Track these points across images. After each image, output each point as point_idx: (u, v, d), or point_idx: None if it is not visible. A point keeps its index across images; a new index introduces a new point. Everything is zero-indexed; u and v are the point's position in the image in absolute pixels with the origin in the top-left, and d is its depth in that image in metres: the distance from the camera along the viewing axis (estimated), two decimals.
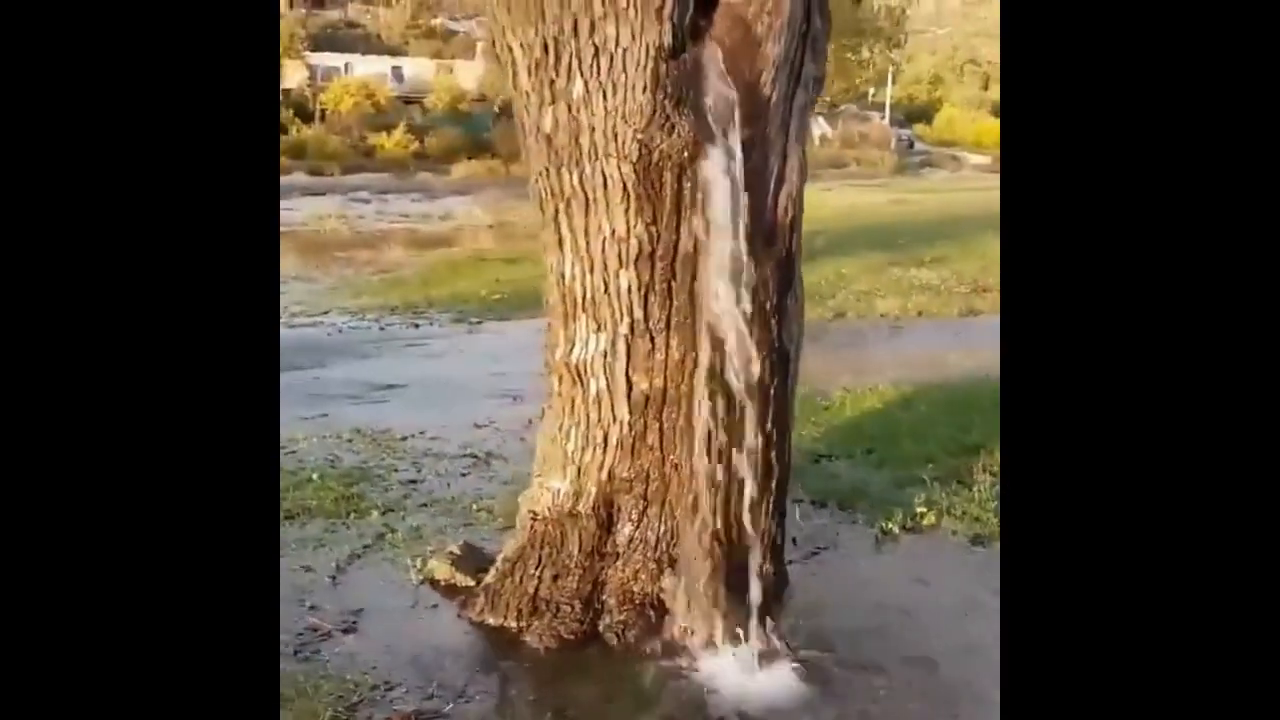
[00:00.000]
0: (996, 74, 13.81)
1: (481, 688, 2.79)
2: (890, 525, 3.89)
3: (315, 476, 4.48)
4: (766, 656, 2.88)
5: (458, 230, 20.24)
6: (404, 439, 5.24)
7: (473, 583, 3.40)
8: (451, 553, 3.52)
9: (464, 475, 4.65)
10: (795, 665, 2.86)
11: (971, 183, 30.45)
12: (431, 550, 3.61)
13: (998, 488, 4.20)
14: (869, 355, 7.54)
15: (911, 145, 43.77)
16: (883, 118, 47.69)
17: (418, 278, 12.21)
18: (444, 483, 4.52)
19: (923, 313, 9.35)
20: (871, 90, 43.58)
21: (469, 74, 42.22)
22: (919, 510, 3.99)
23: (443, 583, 3.41)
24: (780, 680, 2.83)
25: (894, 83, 49.02)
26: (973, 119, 45.13)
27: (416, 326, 8.66)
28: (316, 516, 4.03)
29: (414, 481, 4.54)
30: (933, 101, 57.17)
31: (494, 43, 3.00)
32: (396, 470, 4.69)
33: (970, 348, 7.71)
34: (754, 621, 2.90)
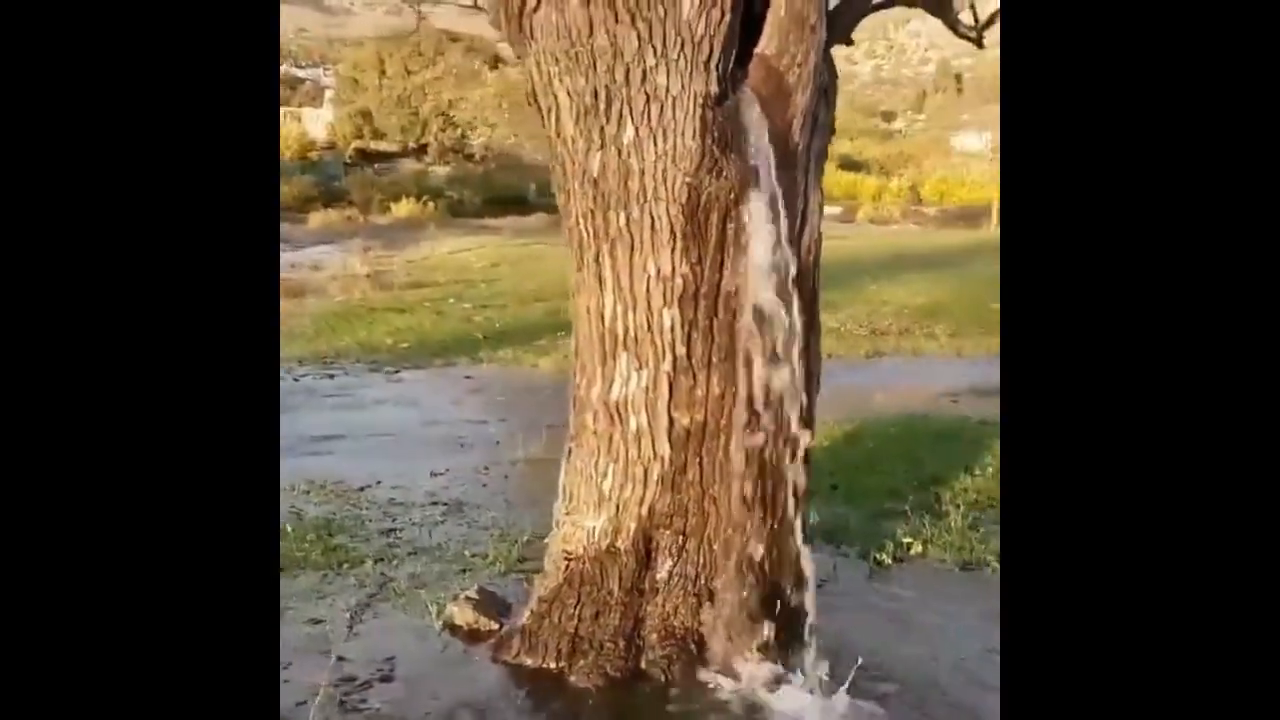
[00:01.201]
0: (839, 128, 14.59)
1: None
2: (882, 556, 4.03)
3: (289, 529, 4.36)
4: (814, 686, 2.95)
5: (332, 280, 19.85)
6: (361, 489, 5.15)
7: (496, 626, 3.38)
8: (470, 598, 3.49)
9: (440, 523, 4.60)
10: (844, 695, 2.93)
11: (831, 232, 31.44)
12: (445, 597, 3.57)
13: (971, 516, 4.42)
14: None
15: None
16: None
17: (312, 329, 11.92)
18: (423, 531, 4.47)
19: (831, 354, 9.65)
20: None
21: (317, 122, 41.48)
22: (905, 540, 4.15)
23: (465, 627, 3.38)
24: (831, 708, 2.90)
25: None
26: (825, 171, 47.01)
27: (332, 377, 8.47)
28: (307, 569, 3.92)
29: (392, 530, 4.47)
30: None
31: (531, 91, 3.05)
32: (369, 521, 4.60)
33: (887, 386, 8.06)
34: (809, 653, 2.97)
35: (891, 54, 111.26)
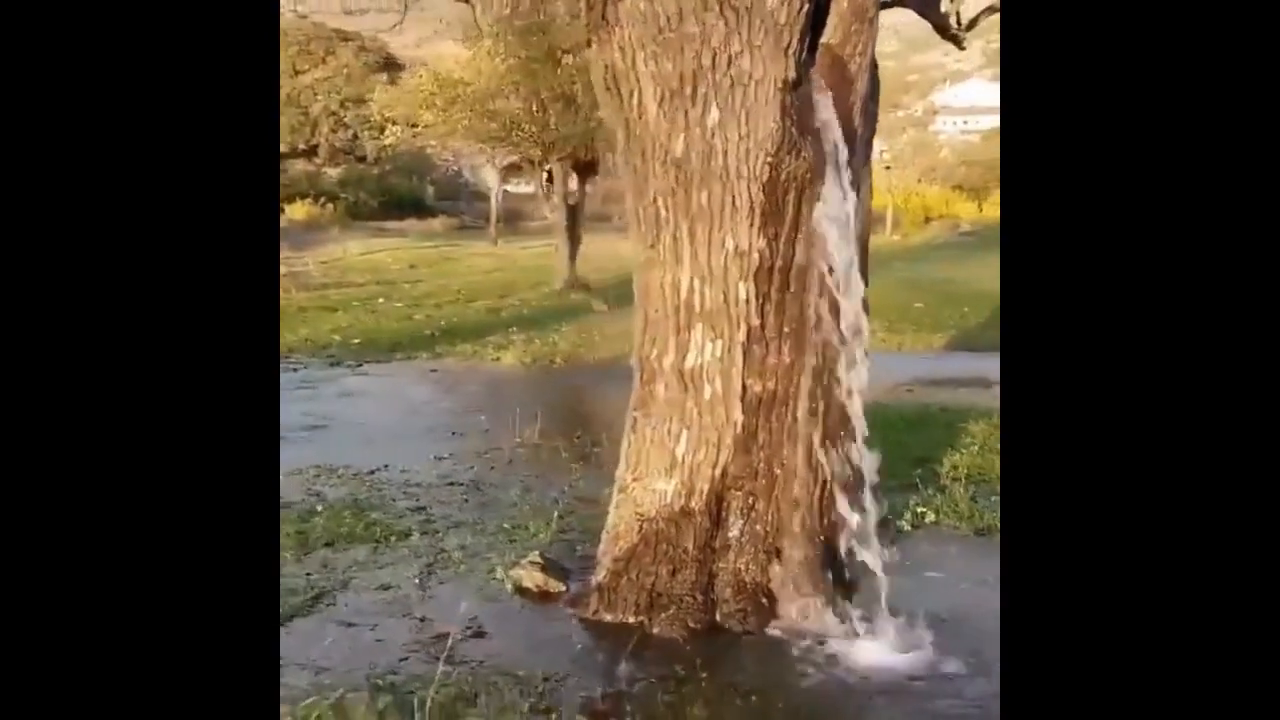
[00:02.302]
0: None
1: (641, 675, 2.93)
2: (902, 524, 4.29)
3: (319, 508, 4.42)
4: (888, 633, 3.15)
5: None
6: (371, 473, 5.22)
7: (563, 587, 3.53)
8: (534, 562, 3.63)
9: (465, 501, 4.71)
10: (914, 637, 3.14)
11: None
12: (502, 563, 3.70)
13: (971, 489, 4.72)
14: None
15: None
16: None
17: None
18: (453, 509, 4.57)
19: None
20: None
21: None
22: (920, 510, 4.42)
23: (534, 589, 3.52)
24: (906, 653, 3.11)
25: None
26: None
27: (295, 370, 8.43)
28: (354, 543, 4.01)
29: (422, 508, 4.56)
30: None
31: (609, 75, 3.21)
32: (395, 500, 4.68)
33: None
34: (880, 608, 3.17)
35: None
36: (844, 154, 3.17)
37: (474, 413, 6.96)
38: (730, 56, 3.02)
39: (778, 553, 3.32)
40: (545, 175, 16.30)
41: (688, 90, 3.06)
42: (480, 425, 6.41)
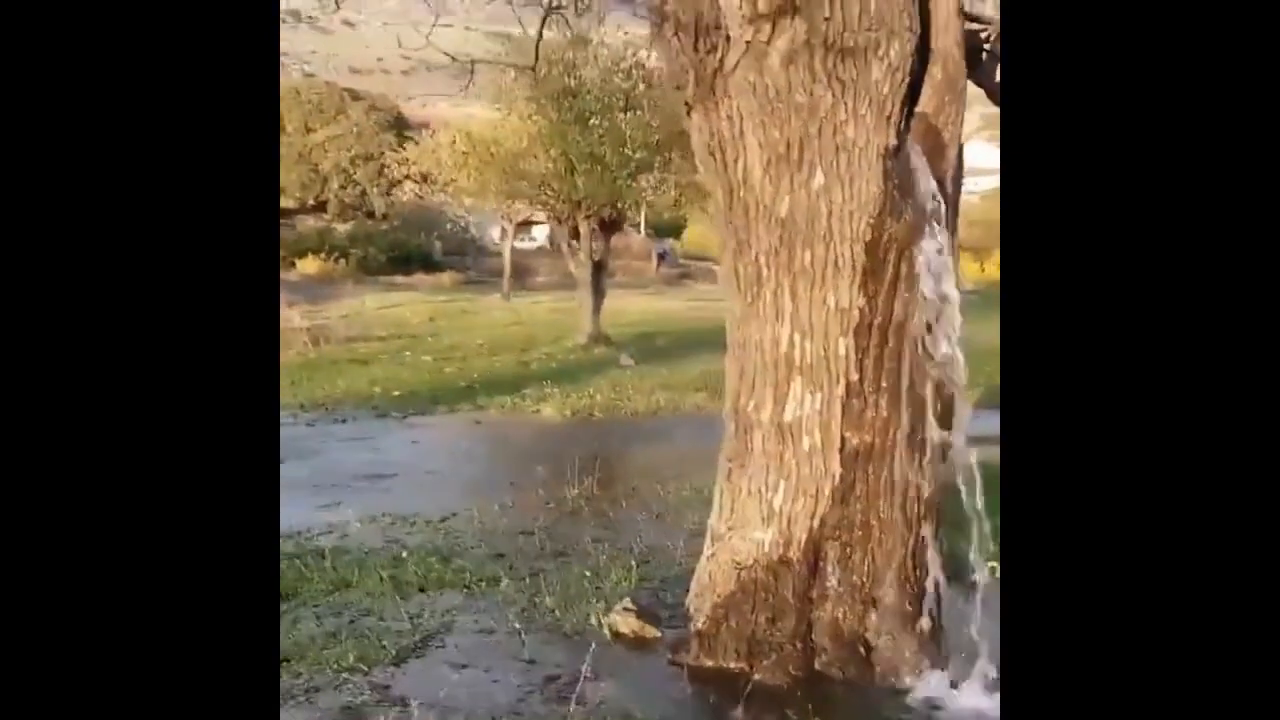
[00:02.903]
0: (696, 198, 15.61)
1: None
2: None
3: (404, 554, 4.53)
4: (987, 685, 3.23)
5: None
6: (443, 520, 5.33)
7: (659, 633, 3.62)
8: (627, 609, 3.73)
9: (542, 549, 4.80)
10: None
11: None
12: (592, 610, 3.79)
13: None
14: None
15: (664, 257, 44.88)
16: (639, 232, 49.39)
17: (286, 379, 11.93)
18: (529, 557, 4.66)
19: None
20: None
21: None
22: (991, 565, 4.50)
23: (631, 635, 3.62)
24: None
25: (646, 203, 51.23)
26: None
27: (343, 422, 8.56)
28: (444, 588, 4.11)
29: (501, 554, 4.66)
30: (677, 219, 60.27)
31: (714, 143, 3.37)
32: (474, 547, 4.78)
33: None
34: (982, 655, 3.25)
35: None
36: (942, 216, 3.32)
37: (526, 463, 7.06)
38: (836, 125, 3.19)
39: (874, 602, 3.41)
40: (570, 232, 16.57)
41: (794, 156, 3.22)
42: (537, 476, 6.50)
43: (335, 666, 3.28)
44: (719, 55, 3.29)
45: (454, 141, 15.78)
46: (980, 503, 3.36)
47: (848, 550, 3.41)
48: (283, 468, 6.59)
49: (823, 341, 3.32)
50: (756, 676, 3.30)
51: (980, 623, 3.28)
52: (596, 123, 14.86)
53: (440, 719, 2.86)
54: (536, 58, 10.26)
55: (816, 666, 3.36)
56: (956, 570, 3.67)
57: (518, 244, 31.54)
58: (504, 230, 27.78)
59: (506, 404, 9.77)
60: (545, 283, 32.34)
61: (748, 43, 3.22)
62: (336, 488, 6.13)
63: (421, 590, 4.05)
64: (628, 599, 3.84)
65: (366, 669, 3.26)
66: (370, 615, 3.81)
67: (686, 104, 3.53)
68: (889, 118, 3.22)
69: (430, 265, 35.04)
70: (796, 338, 3.34)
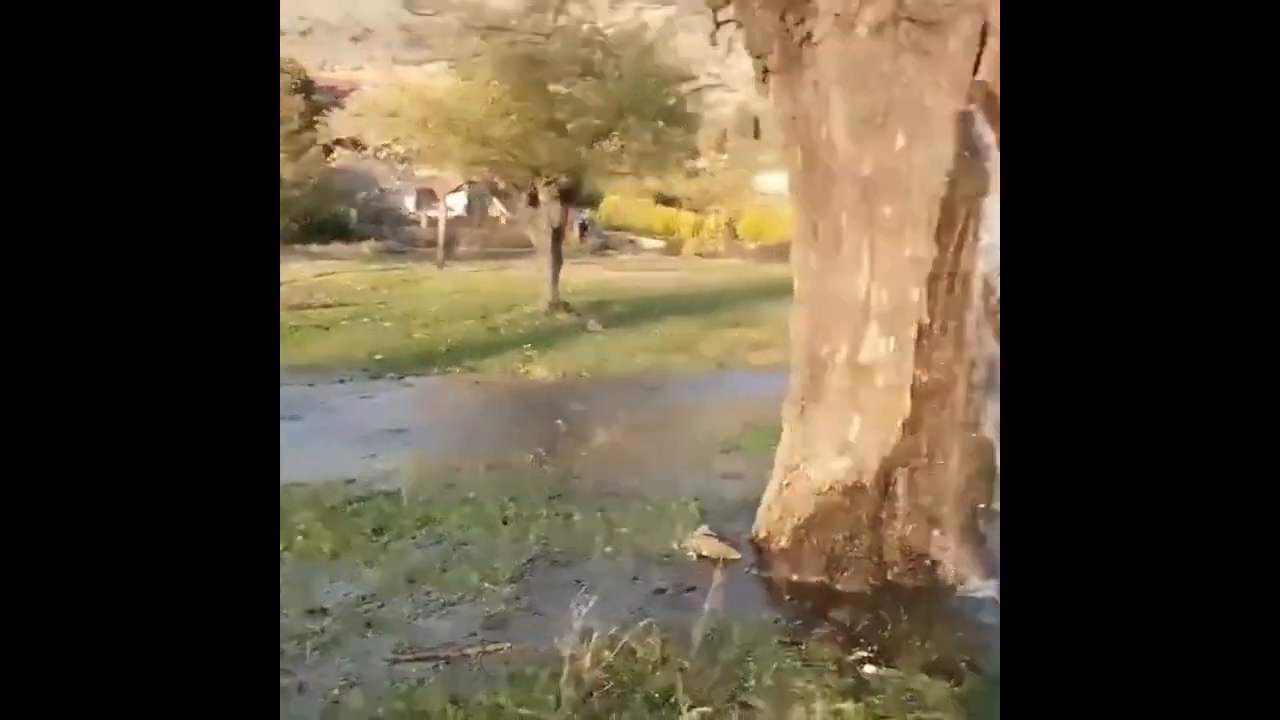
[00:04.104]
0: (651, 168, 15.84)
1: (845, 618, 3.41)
2: None
3: (470, 495, 4.82)
4: None
5: None
6: (489, 468, 5.61)
7: (738, 555, 3.99)
8: (706, 534, 4.10)
9: (591, 492, 5.12)
10: None
11: (665, 264, 32.49)
12: (668, 538, 4.15)
13: None
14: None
15: (586, 228, 44.99)
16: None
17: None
18: (586, 496, 4.98)
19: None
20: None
21: None
22: None
23: (713, 556, 3.98)
24: None
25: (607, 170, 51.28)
26: (639, 205, 47.44)
27: (343, 382, 8.74)
28: (525, 521, 4.42)
29: (558, 495, 4.97)
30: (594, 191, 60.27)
31: (793, 105, 3.71)
32: (527, 491, 5.09)
33: None
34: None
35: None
36: (998, 175, 3.70)
37: (540, 417, 7.35)
38: (918, 91, 3.55)
39: (937, 521, 3.81)
40: (528, 200, 16.73)
41: (878, 120, 3.58)
42: (559, 428, 6.81)
43: (462, 585, 3.58)
44: (807, 26, 3.62)
45: (396, 108, 15.73)
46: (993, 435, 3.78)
47: (914, 476, 3.81)
48: (305, 421, 6.86)
49: (899, 289, 3.69)
50: (838, 586, 3.69)
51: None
52: (557, 89, 15.05)
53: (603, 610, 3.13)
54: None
55: (889, 577, 3.75)
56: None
57: (431, 213, 31.25)
58: (424, 199, 27.31)
59: (494, 366, 10.01)
60: (467, 252, 32.14)
61: (837, 15, 3.56)
62: (362, 440, 6.35)
63: (504, 523, 4.35)
64: (704, 526, 4.20)
65: (494, 585, 3.57)
66: (467, 544, 4.10)
67: (765, 70, 3.85)
68: (961, 85, 3.59)
69: (347, 234, 34.35)
70: (874, 286, 3.72)
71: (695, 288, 22.09)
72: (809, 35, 3.61)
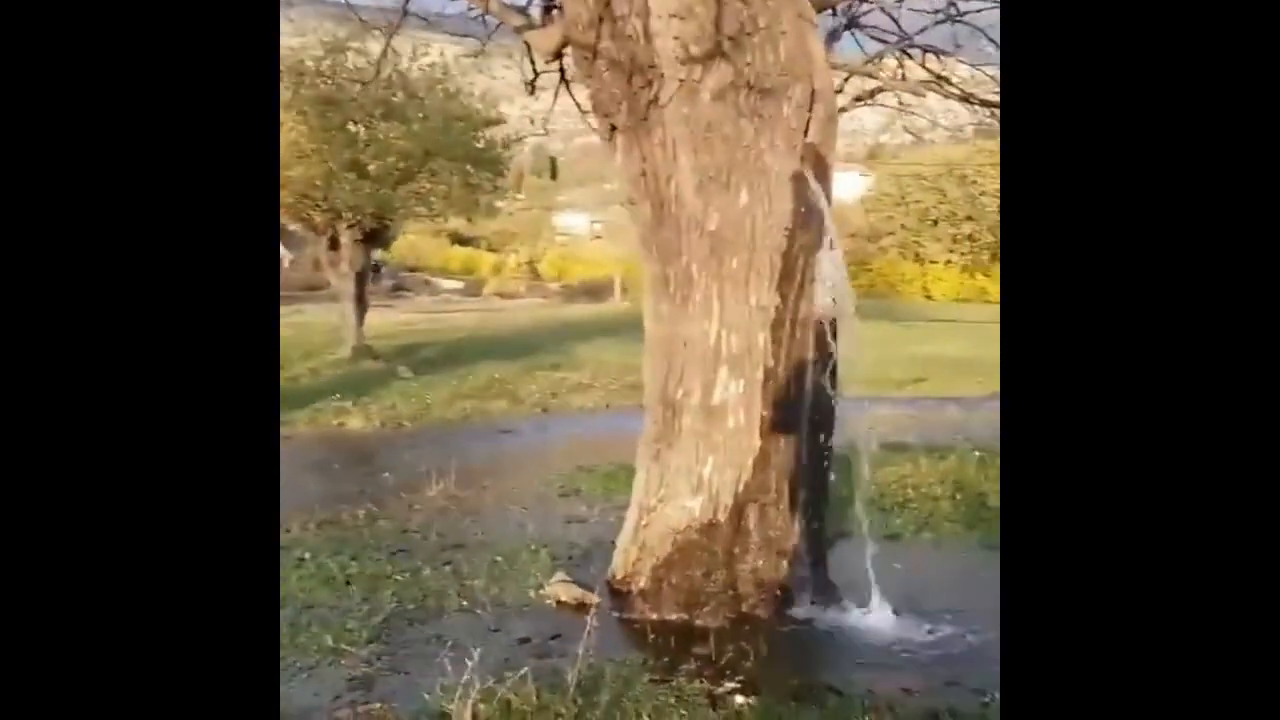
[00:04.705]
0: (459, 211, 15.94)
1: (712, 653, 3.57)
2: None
3: (304, 555, 4.72)
4: (882, 615, 3.95)
5: None
6: (319, 525, 5.49)
7: (595, 599, 4.09)
8: (563, 581, 4.19)
9: (436, 543, 5.11)
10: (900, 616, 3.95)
11: (466, 305, 32.22)
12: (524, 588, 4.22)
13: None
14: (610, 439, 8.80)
15: (379, 269, 43.98)
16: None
17: None
18: (431, 551, 4.97)
19: (610, 405, 10.78)
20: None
21: None
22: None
23: (572, 601, 4.07)
24: (895, 625, 3.91)
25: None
26: (435, 245, 46.96)
27: None
28: (370, 581, 4.37)
29: (402, 550, 4.93)
30: (383, 232, 58.84)
31: (643, 162, 3.90)
32: (366, 546, 5.02)
33: None
34: (874, 592, 3.96)
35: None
36: (833, 229, 4.01)
37: (364, 472, 7.22)
38: (757, 152, 3.80)
39: (787, 553, 4.04)
40: (328, 244, 16.35)
41: (723, 178, 3.81)
42: (387, 482, 6.72)
43: (318, 648, 3.53)
44: (654, 90, 3.82)
45: None
46: (865, 467, 4.08)
47: (765, 510, 4.02)
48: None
49: (746, 334, 3.92)
50: (698, 622, 3.84)
51: (866, 562, 3.98)
52: (357, 130, 14.87)
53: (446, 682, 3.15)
54: None
55: (744, 609, 3.94)
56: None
57: None
58: None
59: (301, 418, 9.71)
60: None
61: (681, 80, 3.77)
62: None
63: (348, 583, 4.29)
64: (560, 573, 4.28)
65: (352, 648, 3.53)
66: (313, 607, 4.02)
67: (612, 128, 4.02)
68: (795, 147, 3.87)
69: None
70: (724, 332, 3.92)
71: (502, 329, 22.08)
72: (656, 98, 3.80)
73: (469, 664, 3.04)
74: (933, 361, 14.73)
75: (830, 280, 3.97)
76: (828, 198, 4.17)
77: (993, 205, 40.71)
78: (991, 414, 10.61)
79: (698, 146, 3.80)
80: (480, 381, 12.19)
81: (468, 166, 15.10)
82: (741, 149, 3.79)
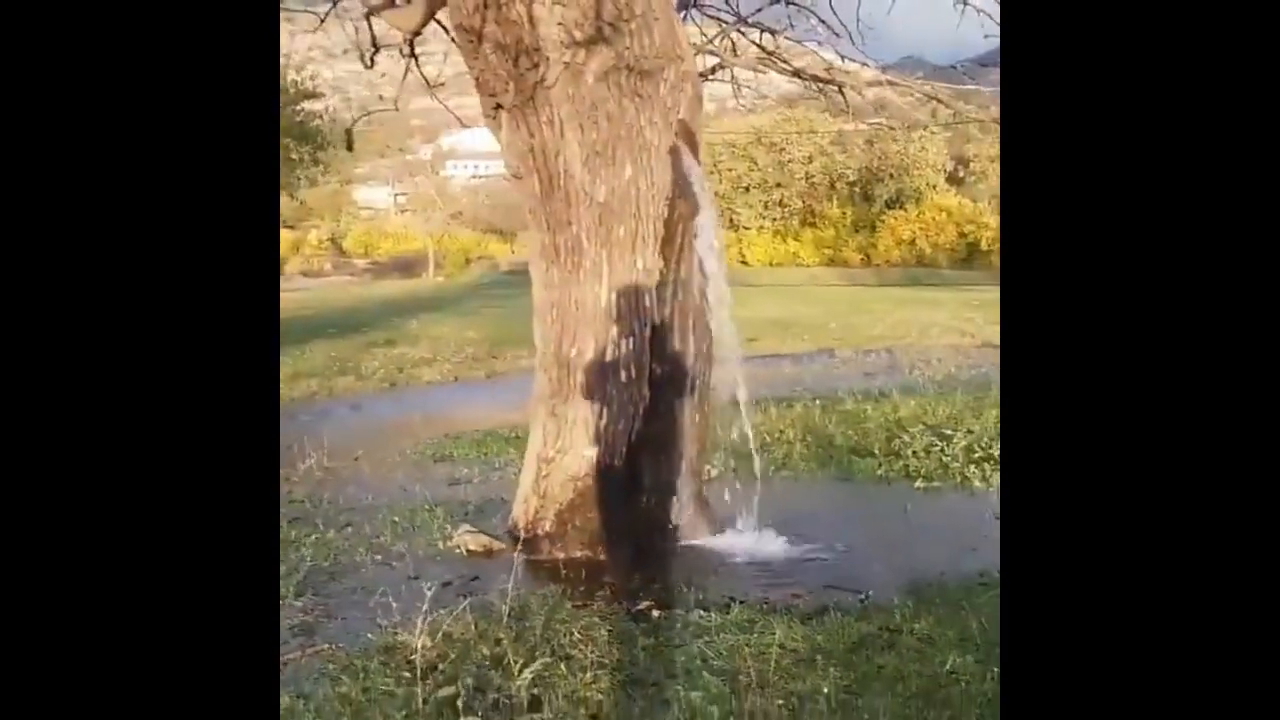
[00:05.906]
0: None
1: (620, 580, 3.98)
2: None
3: None
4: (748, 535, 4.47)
5: None
6: None
7: (502, 545, 4.42)
8: (469, 532, 4.50)
9: (332, 506, 5.30)
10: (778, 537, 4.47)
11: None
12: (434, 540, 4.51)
13: None
14: (469, 409, 9.03)
15: None
16: None
17: None
18: (327, 516, 5.16)
19: (459, 378, 10.99)
20: None
21: None
22: None
23: (481, 550, 4.39)
24: (770, 545, 4.43)
25: None
26: None
27: None
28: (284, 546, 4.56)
29: (296, 519, 5.11)
30: None
31: (532, 139, 4.23)
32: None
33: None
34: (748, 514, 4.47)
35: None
36: (708, 197, 4.44)
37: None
38: (639, 129, 4.19)
39: (675, 491, 4.48)
40: None
41: (608, 153, 4.17)
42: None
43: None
44: (540, 72, 4.14)
45: None
46: (744, 410, 4.56)
47: (656, 455, 4.44)
48: None
49: (634, 295, 4.31)
50: (602, 557, 4.24)
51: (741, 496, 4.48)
52: None
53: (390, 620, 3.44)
54: None
55: (641, 543, 4.36)
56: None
57: None
58: None
59: None
60: None
61: (565, 63, 4.11)
62: None
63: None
64: (465, 525, 4.58)
65: (283, 601, 3.75)
66: None
67: (497, 106, 4.33)
68: (671, 123, 4.28)
69: None
70: (613, 295, 4.30)
71: (324, 308, 21.73)
72: (543, 79, 4.12)
73: (395, 605, 3.34)
74: (756, 323, 15.52)
75: (705, 242, 4.41)
76: (699, 168, 4.61)
77: (800, 172, 42.55)
78: (821, 368, 11.50)
79: (584, 124, 4.15)
80: (318, 360, 12.13)
81: (288, 141, 14.74)
82: (624, 126, 4.17)
